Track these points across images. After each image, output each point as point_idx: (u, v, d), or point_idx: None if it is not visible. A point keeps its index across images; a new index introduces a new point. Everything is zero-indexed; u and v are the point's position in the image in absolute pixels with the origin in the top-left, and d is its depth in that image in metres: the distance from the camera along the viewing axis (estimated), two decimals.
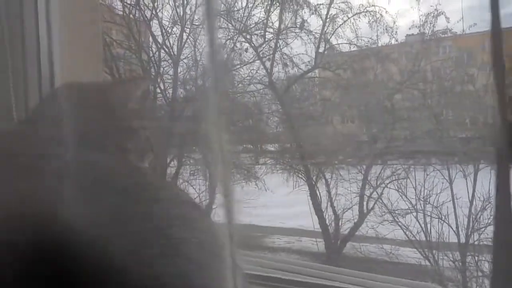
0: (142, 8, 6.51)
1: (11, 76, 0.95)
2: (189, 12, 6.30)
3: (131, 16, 6.45)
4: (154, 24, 6.43)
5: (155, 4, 6.47)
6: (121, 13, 6.50)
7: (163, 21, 6.34)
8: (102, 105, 0.80)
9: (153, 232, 0.62)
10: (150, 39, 6.57)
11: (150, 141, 0.85)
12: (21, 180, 0.66)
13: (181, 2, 6.31)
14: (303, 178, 6.11)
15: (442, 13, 6.04)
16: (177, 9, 6.35)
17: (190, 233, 0.64)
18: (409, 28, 6.22)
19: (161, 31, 6.37)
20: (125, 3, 6.44)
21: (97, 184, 0.65)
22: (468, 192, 4.70)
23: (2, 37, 0.99)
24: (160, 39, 6.42)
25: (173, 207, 0.66)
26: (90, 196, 0.64)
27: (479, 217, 4.53)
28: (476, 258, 4.42)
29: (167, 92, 6.32)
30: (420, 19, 6.03)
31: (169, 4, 6.32)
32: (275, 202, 6.15)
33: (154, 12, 6.45)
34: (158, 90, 6.25)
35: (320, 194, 6.00)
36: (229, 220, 0.58)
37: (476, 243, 4.52)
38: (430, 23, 6.09)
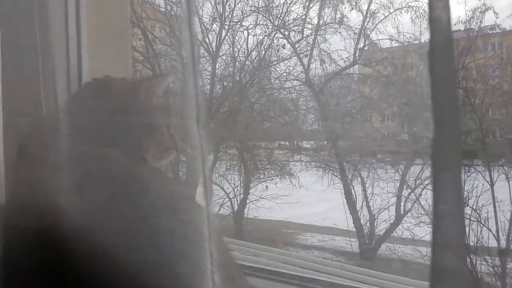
0: (183, 5, 6.64)
1: (41, 71, 1.01)
2: (228, 10, 6.38)
3: (172, 13, 6.59)
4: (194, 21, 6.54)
5: (196, 1, 6.58)
6: (163, 10, 6.67)
7: (203, 18, 6.45)
8: (125, 101, 0.83)
9: (140, 221, 0.67)
10: None
11: (175, 139, 0.86)
12: (26, 170, 0.72)
13: None
14: (338, 176, 6.05)
15: (491, 8, 5.78)
16: (217, 6, 6.44)
17: (175, 224, 0.68)
18: (455, 24, 5.98)
19: (201, 28, 6.48)
20: (167, 1, 6.60)
21: (91, 174, 0.69)
22: (510, 195, 4.49)
23: (34, 35, 1.05)
24: (200, 36, 6.53)
25: (161, 198, 0.70)
26: (85, 185, 0.69)
27: None
28: None
29: (204, 88, 6.43)
30: (466, 14, 5.79)
31: (209, 2, 6.42)
32: (309, 200, 6.12)
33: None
34: None
35: (355, 193, 5.92)
36: (208, 215, 0.60)
37: None
38: (477, 19, 5.84)
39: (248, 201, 6.21)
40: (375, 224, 5.78)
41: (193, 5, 0.61)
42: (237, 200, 6.30)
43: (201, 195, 0.59)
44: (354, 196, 5.90)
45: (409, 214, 5.46)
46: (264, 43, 6.32)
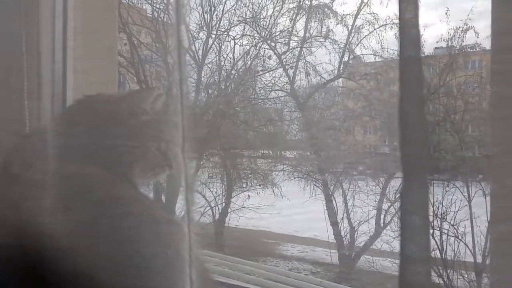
0: (171, 12, 6.64)
1: (26, 90, 0.99)
2: (215, 19, 6.41)
3: (159, 19, 6.58)
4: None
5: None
6: (150, 16, 6.65)
7: (190, 26, 6.45)
8: (107, 119, 0.81)
9: (122, 245, 0.67)
10: None
11: (167, 156, 0.82)
12: (10, 188, 0.72)
13: (208, 8, 6.42)
14: (320, 187, 6.09)
15: (472, 28, 5.93)
16: (204, 15, 6.46)
17: (157, 247, 0.68)
18: (437, 42, 6.13)
19: (188, 35, 6.47)
20: (154, 7, 6.59)
21: (73, 195, 0.69)
22: (487, 211, 4.57)
23: (22, 54, 1.02)
24: (186, 44, 6.52)
25: (143, 222, 0.70)
26: (68, 206, 0.69)
27: None
28: None
29: (189, 96, 6.43)
30: (448, 33, 5.94)
31: (197, 10, 6.44)
32: (290, 210, 6.14)
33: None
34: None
35: (336, 205, 5.97)
36: (190, 240, 0.61)
37: None
38: (459, 37, 5.99)
39: (229, 210, 6.20)
40: (355, 236, 5.83)
41: (181, 18, 0.61)
42: (218, 209, 6.27)
43: (184, 220, 0.60)
44: (335, 207, 5.95)
45: (388, 227, 5.52)
46: (251, 53, 6.36)
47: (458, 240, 4.64)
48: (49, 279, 0.66)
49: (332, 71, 6.38)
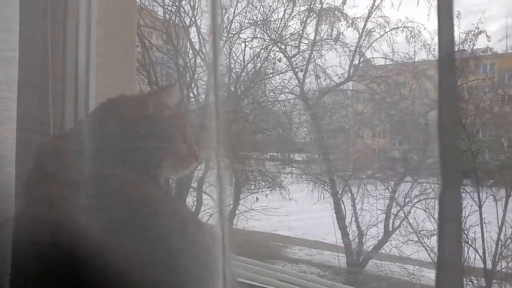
0: (182, 15, 6.69)
1: (51, 91, 1.01)
2: (226, 22, 6.43)
3: (171, 21, 6.62)
4: (192, 31, 6.60)
5: (195, 11, 6.63)
6: (161, 18, 6.69)
7: (201, 28, 6.49)
8: (135, 118, 0.83)
9: (152, 243, 0.69)
10: (188, 45, 6.74)
11: (194, 149, 0.84)
12: (45, 187, 0.74)
13: (219, 11, 6.44)
14: (329, 190, 6.08)
15: (483, 32, 5.92)
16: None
17: (187, 246, 0.70)
18: None
19: (199, 38, 6.51)
20: (166, 9, 6.63)
21: (107, 195, 0.71)
22: (498, 217, 4.55)
23: (47, 56, 1.04)
24: (197, 46, 6.56)
25: (172, 220, 0.72)
26: (101, 206, 0.71)
27: (509, 244, 4.37)
28: (503, 286, 4.27)
29: (199, 98, 6.46)
30: (459, 36, 5.92)
31: (208, 13, 6.46)
32: (298, 213, 6.13)
33: (193, 19, 6.61)
34: (191, 95, 6.40)
35: (345, 208, 5.95)
36: (224, 240, 0.62)
37: (503, 270, 4.36)
38: (470, 41, 5.97)
39: (237, 211, 6.21)
40: (364, 240, 5.81)
41: (217, 28, 0.63)
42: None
43: (217, 223, 0.61)
44: (344, 211, 5.93)
45: (397, 231, 5.50)
46: (261, 55, 6.38)
47: (468, 246, 4.61)
48: (84, 275, 0.68)
49: (342, 74, 6.38)
